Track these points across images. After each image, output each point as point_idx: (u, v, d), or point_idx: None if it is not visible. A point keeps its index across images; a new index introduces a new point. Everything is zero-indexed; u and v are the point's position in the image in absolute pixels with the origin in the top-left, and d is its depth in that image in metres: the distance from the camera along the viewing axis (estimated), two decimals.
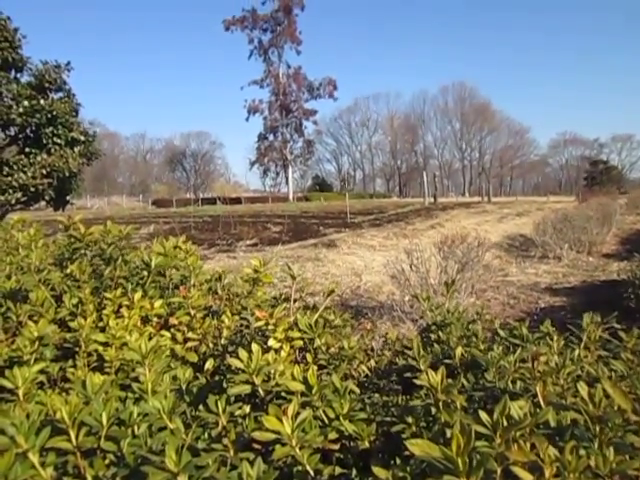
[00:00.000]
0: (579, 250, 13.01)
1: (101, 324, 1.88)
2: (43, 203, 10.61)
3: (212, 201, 48.40)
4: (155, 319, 1.94)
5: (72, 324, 1.76)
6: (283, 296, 2.19)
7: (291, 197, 58.31)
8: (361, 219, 20.32)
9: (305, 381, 1.17)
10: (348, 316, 2.02)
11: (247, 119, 60.92)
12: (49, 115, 9.44)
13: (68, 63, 10.30)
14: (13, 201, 9.53)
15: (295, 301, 1.94)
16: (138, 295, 1.91)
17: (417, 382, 1.13)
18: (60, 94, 10.35)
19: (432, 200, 32.98)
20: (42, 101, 9.48)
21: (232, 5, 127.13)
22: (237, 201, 50.79)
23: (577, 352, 1.45)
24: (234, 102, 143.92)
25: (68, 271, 2.12)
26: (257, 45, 59.94)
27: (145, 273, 2.11)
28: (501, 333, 1.52)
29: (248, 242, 15.29)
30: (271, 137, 61.91)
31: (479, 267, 7.05)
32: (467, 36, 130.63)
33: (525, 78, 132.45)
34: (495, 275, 9.61)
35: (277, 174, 64.94)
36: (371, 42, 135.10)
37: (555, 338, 1.44)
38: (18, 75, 10.28)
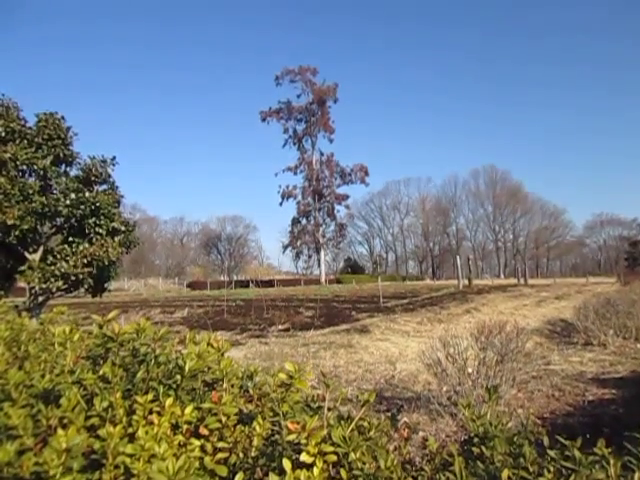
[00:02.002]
0: (625, 336, 12.40)
1: (130, 430, 1.84)
2: (81, 289, 10.92)
3: (245, 284, 48.97)
4: (185, 426, 1.89)
5: (101, 432, 1.72)
6: (317, 402, 2.11)
7: (323, 280, 58.40)
8: (394, 303, 20.07)
9: None
10: (384, 424, 1.93)
11: (281, 204, 62.80)
12: (93, 207, 9.95)
13: (113, 158, 11.01)
14: (54, 289, 9.85)
15: (329, 410, 1.86)
16: (169, 401, 1.87)
17: None
18: (104, 186, 10.97)
19: (467, 283, 32.47)
20: (87, 193, 10.02)
21: (266, 93, 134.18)
22: (269, 284, 51.20)
23: (637, 476, 1.33)
24: (268, 187, 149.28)
25: (101, 373, 2.11)
26: (292, 134, 62.92)
27: (178, 377, 2.08)
28: (551, 454, 1.40)
29: (280, 327, 15.19)
30: (304, 221, 63.31)
31: (520, 357, 6.75)
32: (497, 121, 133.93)
33: (557, 161, 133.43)
34: (537, 364, 9.18)
35: (309, 257, 65.65)
36: (401, 128, 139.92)
37: (612, 462, 1.32)
38: (67, 169, 11.00)
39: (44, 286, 9.65)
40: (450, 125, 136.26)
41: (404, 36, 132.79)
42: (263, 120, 62.39)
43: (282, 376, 2.08)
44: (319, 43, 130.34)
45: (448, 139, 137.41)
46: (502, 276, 79.73)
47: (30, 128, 10.56)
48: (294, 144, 63.14)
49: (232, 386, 2.25)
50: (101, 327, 2.48)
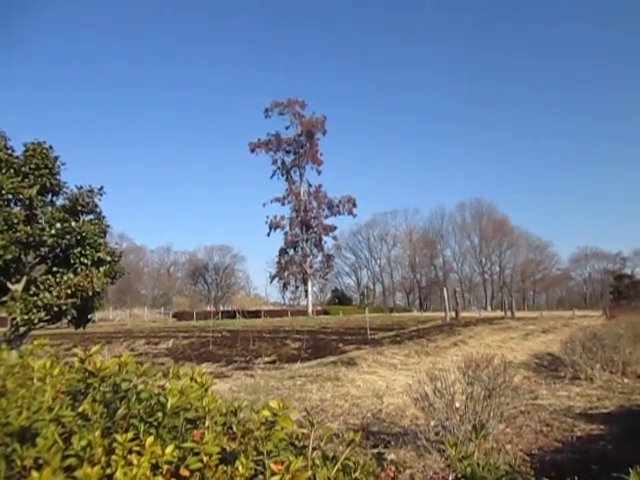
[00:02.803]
0: (612, 370, 12.41)
1: (109, 470, 1.78)
2: (64, 320, 10.72)
3: (232, 314, 48.45)
4: (166, 466, 1.84)
5: (78, 473, 1.67)
6: (302, 441, 2.06)
7: (310, 311, 58.02)
8: (381, 335, 19.96)
9: None
10: (369, 463, 1.89)
11: (268, 234, 62.64)
12: (79, 236, 9.81)
13: (101, 188, 10.95)
14: (36, 320, 9.64)
15: (314, 449, 1.82)
16: (150, 440, 1.82)
17: None
18: (91, 216, 10.88)
19: (454, 315, 32.45)
20: (73, 223, 9.90)
21: (255, 125, 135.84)
22: (256, 314, 50.73)
23: None
24: (256, 217, 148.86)
25: (80, 409, 2.05)
26: (280, 166, 63.29)
27: (160, 414, 2.03)
28: None
29: (266, 359, 15.01)
30: (291, 252, 63.16)
31: (508, 392, 6.71)
32: (483, 154, 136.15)
33: (543, 195, 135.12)
34: (525, 399, 9.13)
35: (297, 287, 65.27)
36: (389, 160, 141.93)
37: None
38: (54, 198, 10.90)
39: (26, 317, 9.44)
40: (437, 158, 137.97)
41: (392, 70, 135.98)
42: (252, 151, 62.80)
43: (266, 413, 2.04)
44: (308, 76, 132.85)
45: (435, 172, 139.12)
46: (489, 308, 79.83)
47: (17, 157, 10.49)
48: (282, 175, 63.50)
49: (215, 423, 2.20)
50: (82, 361, 2.43)
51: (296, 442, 2.16)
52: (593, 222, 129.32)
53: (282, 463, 1.65)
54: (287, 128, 62.57)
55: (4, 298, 9.84)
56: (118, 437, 1.86)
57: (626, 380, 11.82)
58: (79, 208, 10.51)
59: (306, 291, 63.07)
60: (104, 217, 11.07)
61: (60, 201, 11.00)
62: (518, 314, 40.38)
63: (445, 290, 37.54)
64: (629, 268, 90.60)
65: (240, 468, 1.84)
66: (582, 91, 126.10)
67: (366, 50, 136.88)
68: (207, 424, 2.05)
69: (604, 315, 33.95)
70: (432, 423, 6.74)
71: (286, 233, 62.37)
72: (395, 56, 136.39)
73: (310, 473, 1.58)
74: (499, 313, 45.18)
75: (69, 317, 10.41)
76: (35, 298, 9.59)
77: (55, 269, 10.22)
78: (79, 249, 9.93)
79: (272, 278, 64.39)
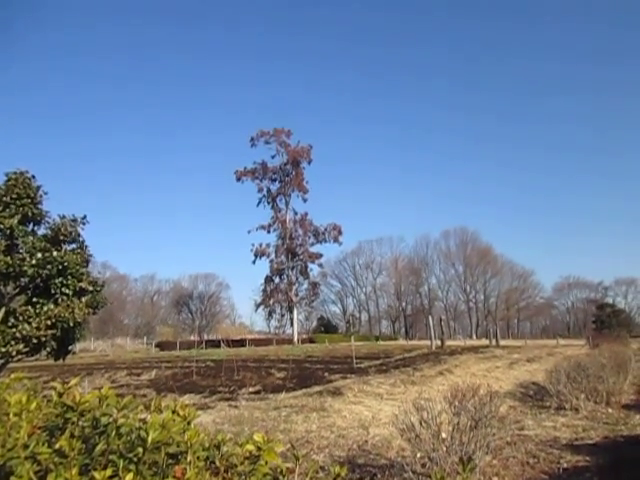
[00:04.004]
0: (596, 400, 12.42)
1: None
2: (43, 352, 10.45)
3: (216, 343, 47.85)
4: None
5: None
6: (286, 476, 2.02)
7: (296, 339, 57.56)
8: (367, 364, 19.82)
9: None
10: None
11: (254, 262, 62.32)
12: (60, 266, 9.64)
13: (84, 217, 10.83)
14: (14, 353, 9.38)
15: None
16: (129, 477, 1.78)
17: None
18: (73, 245, 10.72)
19: (439, 344, 32.40)
20: (55, 253, 9.74)
21: (240, 152, 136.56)
22: (241, 343, 50.24)
23: None
24: (241, 245, 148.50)
25: (57, 446, 2.00)
26: (266, 194, 63.42)
27: (140, 449, 1.98)
28: None
29: (251, 389, 14.80)
30: (277, 279, 62.82)
31: (494, 422, 6.67)
32: (467, 184, 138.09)
33: (525, 223, 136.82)
34: (511, 429, 9.07)
35: (282, 316, 64.72)
36: (375, 188, 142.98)
37: None
38: (35, 228, 10.73)
39: (3, 350, 9.17)
40: (421, 186, 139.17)
41: (377, 95, 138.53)
42: (238, 179, 62.96)
43: (250, 447, 2.00)
44: (295, 103, 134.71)
45: (420, 200, 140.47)
46: (474, 337, 79.82)
47: None
48: (268, 203, 63.59)
49: (197, 458, 2.15)
50: (61, 395, 2.37)
51: (281, 477, 2.12)
52: (575, 251, 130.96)
53: None
54: (273, 157, 63.05)
55: None
56: (96, 474, 1.81)
57: (610, 410, 11.82)
58: (61, 237, 10.36)
59: (292, 319, 62.58)
60: (87, 246, 10.95)
61: (42, 230, 10.87)
62: (503, 343, 40.45)
63: (430, 318, 37.56)
64: (610, 297, 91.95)
65: None
66: (569, 121, 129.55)
67: (350, 68, 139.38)
68: (189, 459, 2.00)
69: (587, 344, 34.11)
70: (418, 455, 6.65)
71: (272, 261, 62.18)
72: (384, 71, 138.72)
73: None
74: (484, 341, 45.21)
75: (48, 349, 10.16)
76: (14, 330, 9.34)
77: (35, 300, 10.01)
78: (60, 279, 9.75)
79: (257, 306, 63.91)
